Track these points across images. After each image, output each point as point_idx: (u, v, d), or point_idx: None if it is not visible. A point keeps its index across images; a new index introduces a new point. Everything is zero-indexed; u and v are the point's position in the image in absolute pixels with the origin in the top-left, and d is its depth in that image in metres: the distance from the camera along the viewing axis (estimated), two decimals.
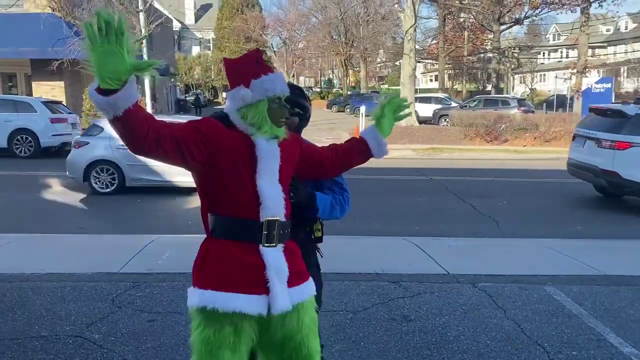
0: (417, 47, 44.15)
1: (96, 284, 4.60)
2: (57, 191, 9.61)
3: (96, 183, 9.23)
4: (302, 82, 72.11)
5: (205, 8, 60.93)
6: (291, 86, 2.52)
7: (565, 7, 27.09)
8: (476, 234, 7.07)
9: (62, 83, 19.86)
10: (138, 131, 1.82)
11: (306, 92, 2.67)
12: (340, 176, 2.60)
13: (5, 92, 21.05)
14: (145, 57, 19.03)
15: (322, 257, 2.74)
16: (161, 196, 9.08)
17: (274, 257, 2.09)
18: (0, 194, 9.30)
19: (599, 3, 25.91)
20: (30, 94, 20.20)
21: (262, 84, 2.09)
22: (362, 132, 2.48)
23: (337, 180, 2.59)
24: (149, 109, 21.39)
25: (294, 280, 2.15)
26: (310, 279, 2.27)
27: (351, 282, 4.74)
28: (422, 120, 25.78)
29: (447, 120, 24.75)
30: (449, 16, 41.76)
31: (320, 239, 2.65)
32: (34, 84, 20.26)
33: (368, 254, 5.77)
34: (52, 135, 14.37)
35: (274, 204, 2.09)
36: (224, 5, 52.76)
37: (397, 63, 47.37)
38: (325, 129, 23.24)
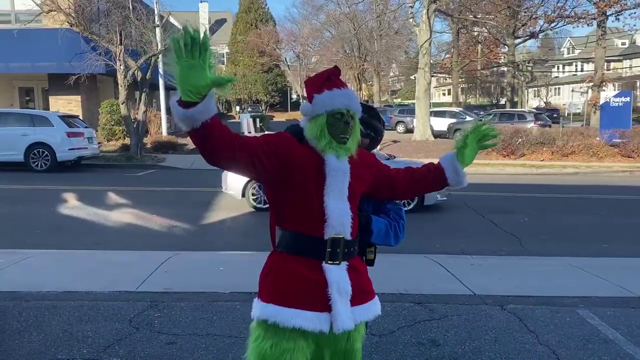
0: (430, 61, 44.24)
1: (114, 303, 4.49)
2: (72, 205, 9.57)
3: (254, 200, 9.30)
4: None
5: (219, 23, 61.53)
6: (366, 107, 2.52)
7: (582, 20, 26.90)
8: (499, 251, 6.89)
9: (78, 97, 20.03)
10: (214, 143, 1.88)
11: (366, 107, 2.59)
12: (399, 204, 2.51)
13: (23, 106, 21.29)
14: (161, 71, 19.17)
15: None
16: (177, 210, 9.01)
17: (337, 275, 2.08)
18: (17, 207, 9.29)
19: (615, 16, 25.70)
20: (47, 108, 20.40)
21: (323, 98, 2.09)
22: (441, 159, 2.38)
23: (396, 206, 2.49)
24: (164, 123, 21.49)
25: (358, 298, 2.13)
26: (376, 298, 2.26)
27: None
28: (437, 134, 25.60)
29: None
30: (462, 30, 41.74)
31: (371, 262, 2.54)
32: (51, 98, 20.45)
33: (390, 272, 5.61)
34: (69, 149, 14.42)
35: (339, 221, 2.08)
36: (238, 20, 53.22)
37: (413, 77, 47.30)
38: None
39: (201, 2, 55.40)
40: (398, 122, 31.83)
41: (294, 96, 60.00)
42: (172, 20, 25.60)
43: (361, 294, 2.16)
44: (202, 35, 1.70)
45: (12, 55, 18.47)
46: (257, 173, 2.01)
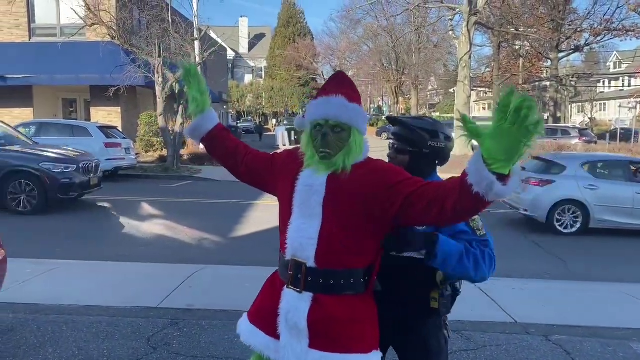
0: (470, 74, 43.51)
1: (133, 320, 4.33)
2: (104, 216, 9.59)
3: (559, 223, 9.09)
4: None
5: (258, 37, 62.35)
6: (395, 119, 2.27)
7: (630, 33, 25.93)
8: (542, 275, 6.46)
9: (118, 109, 20.38)
10: (219, 154, 2.22)
11: (429, 123, 2.23)
12: (482, 236, 2.02)
13: (66, 117, 21.80)
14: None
15: (449, 337, 2.17)
16: (208, 223, 8.88)
17: (290, 304, 1.85)
18: (52, 217, 9.35)
19: None
20: (88, 119, 20.82)
21: (309, 108, 1.90)
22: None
23: (479, 238, 1.99)
24: None
25: (320, 342, 1.80)
26: (353, 355, 1.81)
27: None
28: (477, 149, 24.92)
29: None
30: (503, 44, 40.90)
31: (437, 312, 2.06)
32: (93, 110, 20.89)
33: None
34: (106, 160, 14.57)
35: (296, 242, 1.84)
36: (277, 35, 53.83)
37: (452, 90, 46.64)
38: (375, 157, 22.80)
39: (241, 17, 56.28)
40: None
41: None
42: (212, 34, 25.99)
43: (327, 339, 1.81)
44: (191, 67, 2.16)
45: (56, 68, 18.95)
46: (258, 186, 2.18)
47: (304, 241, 1.83)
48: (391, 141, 2.26)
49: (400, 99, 56.29)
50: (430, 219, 1.74)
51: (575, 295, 5.53)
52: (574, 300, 5.32)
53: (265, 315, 1.94)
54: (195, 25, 18.50)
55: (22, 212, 9.26)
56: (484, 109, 67.18)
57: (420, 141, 2.15)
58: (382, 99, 75.91)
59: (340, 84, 1.90)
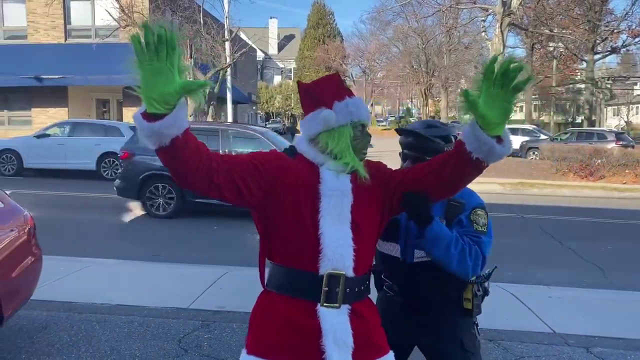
0: None
1: (164, 321, 4.33)
2: (136, 215, 9.68)
3: None
4: (378, 110, 72.02)
5: (288, 39, 62.60)
6: (407, 131, 2.20)
7: None
8: (580, 283, 6.24)
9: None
10: (187, 164, 1.55)
11: (442, 129, 2.24)
12: (482, 234, 2.06)
13: (99, 117, 22.23)
14: (229, 84, 19.49)
15: (478, 335, 2.21)
16: (239, 223, 8.89)
17: (334, 321, 1.67)
18: (86, 215, 9.51)
19: None
20: (121, 119, 21.18)
21: (347, 106, 1.75)
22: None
23: (474, 234, 2.05)
24: None
25: (363, 354, 1.70)
26: (390, 354, 1.80)
27: None
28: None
29: (536, 153, 23.40)
30: (537, 45, 40.15)
31: (469, 313, 2.10)
32: (125, 110, 21.24)
33: None
34: None
35: (336, 252, 1.67)
36: (307, 36, 53.95)
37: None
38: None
39: (271, 18, 56.60)
40: (462, 130, 30.82)
41: None
42: (242, 36, 26.18)
43: (369, 348, 1.73)
44: (167, 32, 1.39)
45: (90, 69, 19.32)
46: (241, 198, 1.67)
47: (343, 250, 1.68)
48: (405, 152, 2.22)
49: (430, 101, 55.77)
50: (425, 189, 1.78)
51: (615, 305, 5.32)
52: (613, 310, 5.11)
53: (294, 347, 1.69)
54: (226, 27, 18.62)
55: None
56: (515, 111, 66.10)
57: (437, 149, 2.14)
58: (411, 101, 75.37)
59: (346, 87, 1.89)
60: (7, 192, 4.00)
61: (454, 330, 2.13)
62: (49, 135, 14.93)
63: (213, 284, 5.40)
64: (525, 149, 24.62)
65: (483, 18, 22.77)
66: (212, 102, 17.09)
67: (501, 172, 18.17)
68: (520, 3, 20.36)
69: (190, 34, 16.82)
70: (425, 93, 51.33)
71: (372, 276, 1.94)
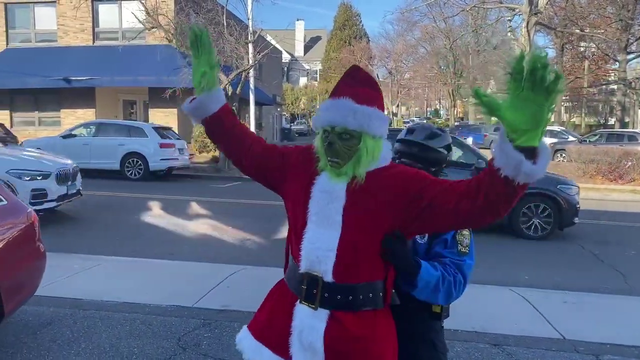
0: None
1: (166, 319, 4.34)
2: (154, 214, 9.79)
3: None
4: (404, 111, 71.45)
5: (314, 41, 62.72)
6: (413, 142, 2.15)
7: None
8: (598, 289, 6.04)
9: (175, 110, 20.93)
10: (221, 142, 1.91)
11: (444, 137, 2.19)
12: (465, 256, 1.98)
13: (126, 118, 22.62)
14: (252, 86, 19.60)
15: (442, 327, 2.21)
16: (253, 224, 8.91)
17: (305, 321, 1.67)
18: (106, 214, 9.64)
19: None
20: (147, 120, 21.52)
21: (319, 111, 1.72)
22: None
23: (456, 257, 1.97)
24: None
25: None
26: None
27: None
28: None
29: (564, 155, 22.87)
30: (567, 45, 39.29)
31: (438, 317, 2.11)
32: (151, 111, 21.56)
33: (466, 306, 5.00)
34: (160, 160, 15.00)
35: (313, 255, 1.66)
36: (333, 38, 53.95)
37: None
38: None
39: (297, 20, 56.78)
40: (493, 141, 30.31)
41: (384, 112, 59.52)
42: (269, 38, 26.29)
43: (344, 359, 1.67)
44: (202, 33, 1.79)
45: (117, 70, 19.69)
46: (266, 182, 1.92)
47: (320, 253, 1.66)
48: (403, 161, 2.17)
49: (458, 102, 55.11)
50: (461, 215, 1.55)
51: (633, 313, 5.13)
52: (631, 318, 4.92)
53: (274, 332, 1.76)
54: (249, 29, 18.73)
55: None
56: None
57: (442, 159, 2.16)
58: (440, 102, 74.63)
59: (353, 83, 1.72)
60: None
61: (426, 332, 2.14)
62: (74, 135, 15.24)
63: (220, 283, 5.41)
64: (552, 151, 24.09)
65: (509, 18, 22.36)
66: (234, 104, 17.18)
67: None
68: (548, 2, 19.93)
69: (213, 35, 16.97)
70: (453, 94, 50.77)
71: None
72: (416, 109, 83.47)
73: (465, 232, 2.04)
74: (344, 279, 1.66)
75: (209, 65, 1.81)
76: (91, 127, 15.65)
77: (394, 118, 53.87)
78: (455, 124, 47.87)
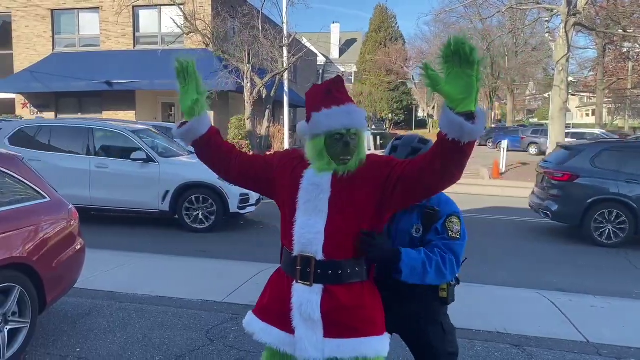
0: (571, 79, 40.83)
1: (197, 312, 4.54)
2: None
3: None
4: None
5: (349, 43, 62.75)
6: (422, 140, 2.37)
7: None
8: (629, 294, 5.96)
9: (212, 113, 21.40)
10: (209, 161, 2.15)
11: (426, 149, 2.32)
12: (453, 238, 2.15)
13: (165, 120, 23.20)
14: (286, 89, 19.86)
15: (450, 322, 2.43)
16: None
17: (302, 297, 1.92)
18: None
19: None
20: None
21: (320, 118, 1.91)
22: None
23: (446, 240, 2.13)
24: (286, 138, 22.22)
25: (334, 330, 1.92)
26: (369, 339, 1.95)
27: (464, 340, 4.11)
28: None
29: None
30: (610, 46, 38.21)
31: (445, 301, 2.29)
32: None
33: (491, 307, 5.06)
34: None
35: (304, 238, 1.92)
36: (368, 40, 53.84)
37: (547, 95, 44.25)
38: None
39: (333, 23, 56.94)
40: (530, 144, 29.83)
41: (420, 114, 59.04)
42: (304, 41, 26.57)
43: (340, 327, 1.92)
44: (186, 63, 2.03)
45: (156, 74, 20.21)
46: (255, 187, 2.18)
47: (311, 236, 1.91)
48: None
49: (496, 104, 54.22)
50: (425, 181, 1.84)
51: None
52: None
53: (276, 312, 2.01)
54: (285, 32, 19.00)
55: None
56: (587, 115, 63.10)
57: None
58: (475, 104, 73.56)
59: (344, 91, 1.98)
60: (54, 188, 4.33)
61: (434, 315, 2.33)
62: None
63: (249, 280, 5.59)
64: None
65: (547, 19, 21.94)
66: (268, 106, 17.48)
67: None
68: (588, 2, 19.49)
69: (248, 40, 17.30)
70: (490, 96, 49.98)
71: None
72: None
73: (454, 219, 2.20)
74: (332, 257, 1.92)
75: (197, 93, 2.06)
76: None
77: (430, 120, 53.39)
78: (492, 126, 47.14)
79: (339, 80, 1.99)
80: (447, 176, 1.80)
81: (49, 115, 22.59)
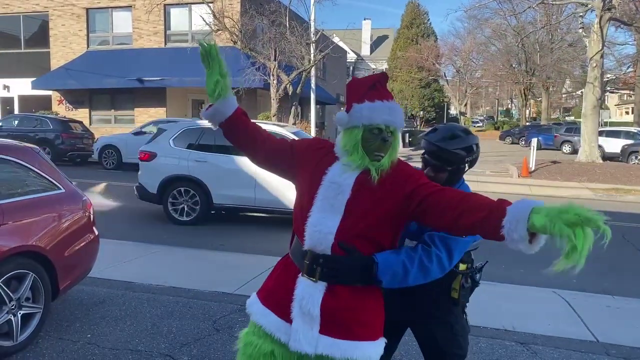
0: (610, 75, 39.60)
1: (206, 303, 4.64)
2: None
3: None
4: (472, 111, 69.55)
5: (380, 40, 62.49)
6: (446, 130, 2.28)
7: None
8: None
9: None
10: (237, 142, 2.16)
11: (465, 139, 2.27)
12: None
13: (195, 117, 23.58)
14: (313, 85, 19.93)
15: (467, 324, 2.41)
16: None
17: (305, 291, 1.93)
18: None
19: None
20: None
21: (362, 110, 1.91)
22: (514, 202, 1.68)
23: (442, 235, 2.01)
24: (312, 134, 22.32)
25: (331, 329, 1.90)
26: (363, 343, 1.93)
27: (469, 336, 4.08)
28: (608, 157, 22.89)
29: (638, 157, 21.64)
30: None
31: (455, 302, 2.25)
32: None
33: (502, 305, 5.01)
34: None
35: (315, 236, 1.91)
36: (399, 36, 53.42)
37: (580, 92, 43.09)
38: (492, 162, 21.85)
39: (364, 19, 56.75)
40: (564, 142, 29.19)
41: (452, 111, 58.28)
42: (335, 38, 26.56)
43: (337, 326, 1.91)
44: (211, 47, 2.07)
45: (186, 71, 20.56)
46: (279, 171, 2.16)
47: (322, 236, 1.90)
48: (426, 157, 2.30)
49: (532, 101, 53.13)
50: (442, 224, 1.83)
51: None
52: None
53: (278, 299, 2.01)
54: (311, 29, 19.06)
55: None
56: (626, 113, 61.21)
57: (458, 160, 2.25)
58: (511, 101, 72.21)
59: (387, 88, 1.98)
60: (74, 183, 4.49)
61: (444, 315, 2.29)
62: (144, 132, 16.13)
63: (262, 273, 5.66)
64: (626, 153, 22.86)
65: (582, 14, 21.38)
66: (294, 103, 17.57)
67: (594, 176, 17.04)
68: None
69: (276, 36, 17.42)
70: (525, 93, 48.99)
71: None
72: (487, 108, 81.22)
73: None
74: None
75: (220, 74, 2.08)
76: (159, 125, 16.49)
77: (462, 117, 52.68)
78: (527, 124, 46.19)
79: (384, 77, 1.99)
80: (466, 233, 1.84)
81: (84, 112, 23.24)
